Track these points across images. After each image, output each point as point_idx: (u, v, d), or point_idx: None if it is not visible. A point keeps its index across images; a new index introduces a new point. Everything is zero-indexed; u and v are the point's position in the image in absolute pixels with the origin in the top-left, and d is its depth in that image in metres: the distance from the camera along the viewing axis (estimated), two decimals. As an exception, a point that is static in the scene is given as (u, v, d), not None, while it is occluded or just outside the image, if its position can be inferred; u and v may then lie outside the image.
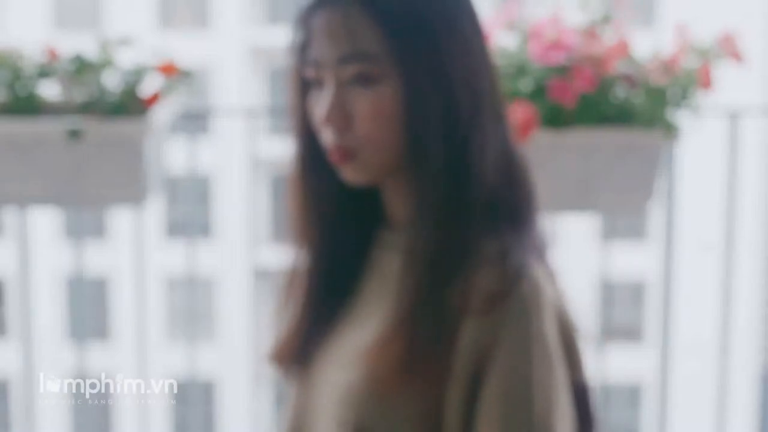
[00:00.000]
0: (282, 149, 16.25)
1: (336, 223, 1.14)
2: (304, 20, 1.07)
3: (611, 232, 3.48)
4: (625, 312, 16.91)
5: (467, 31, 1.05)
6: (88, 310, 17.04)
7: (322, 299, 1.15)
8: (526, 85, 1.99)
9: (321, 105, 1.05)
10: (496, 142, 1.06)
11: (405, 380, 1.02)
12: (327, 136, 1.06)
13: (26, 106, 2.08)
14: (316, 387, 1.12)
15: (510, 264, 1.01)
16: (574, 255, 16.12)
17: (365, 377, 1.04)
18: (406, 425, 1.03)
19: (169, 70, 2.09)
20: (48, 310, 17.09)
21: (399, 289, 1.07)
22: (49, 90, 2.13)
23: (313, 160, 1.11)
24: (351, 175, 1.07)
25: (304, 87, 1.09)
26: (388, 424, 1.03)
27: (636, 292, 17.00)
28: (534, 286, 1.01)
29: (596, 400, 1.10)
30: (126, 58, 2.12)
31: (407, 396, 1.03)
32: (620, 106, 2.01)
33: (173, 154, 2.45)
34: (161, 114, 2.10)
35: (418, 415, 1.03)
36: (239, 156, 17.06)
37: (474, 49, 1.06)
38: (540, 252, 1.07)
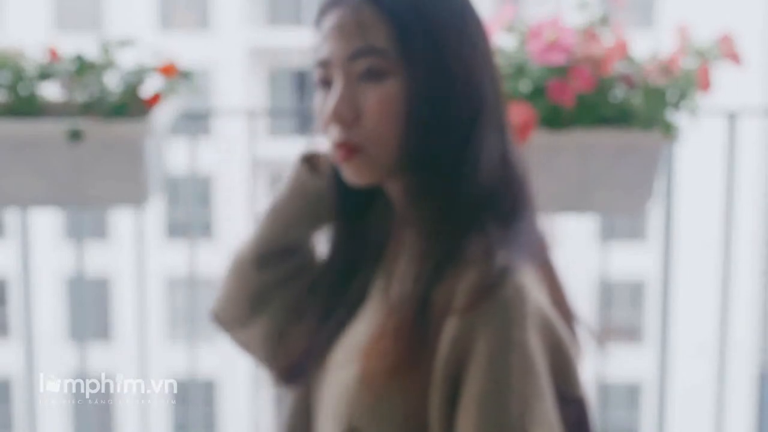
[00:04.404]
0: (282, 150, 16.24)
1: (354, 224, 1.16)
2: (317, 23, 1.08)
3: (610, 232, 3.48)
4: (624, 312, 16.90)
5: (473, 34, 1.06)
6: (89, 310, 17.02)
7: (338, 297, 1.16)
8: (524, 85, 1.99)
9: (328, 102, 1.06)
10: (494, 145, 1.06)
11: (394, 380, 1.02)
12: (332, 134, 1.06)
13: (27, 106, 2.08)
14: (324, 384, 1.13)
15: (494, 263, 1.00)
16: (573, 255, 16.11)
17: (358, 375, 1.05)
18: (395, 425, 1.03)
19: (169, 71, 2.10)
20: (49, 310, 17.09)
21: (389, 288, 1.07)
22: (50, 91, 2.13)
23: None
24: (353, 173, 1.07)
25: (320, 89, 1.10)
26: (378, 423, 1.03)
27: (635, 292, 16.99)
28: (519, 291, 0.99)
29: (594, 416, 1.08)
30: (127, 59, 2.12)
31: (397, 395, 1.02)
32: (619, 107, 2.01)
33: (174, 155, 2.45)
34: (162, 115, 2.10)
35: (407, 415, 1.02)
36: (240, 157, 17.06)
37: (479, 52, 1.06)
38: (535, 254, 1.06)
